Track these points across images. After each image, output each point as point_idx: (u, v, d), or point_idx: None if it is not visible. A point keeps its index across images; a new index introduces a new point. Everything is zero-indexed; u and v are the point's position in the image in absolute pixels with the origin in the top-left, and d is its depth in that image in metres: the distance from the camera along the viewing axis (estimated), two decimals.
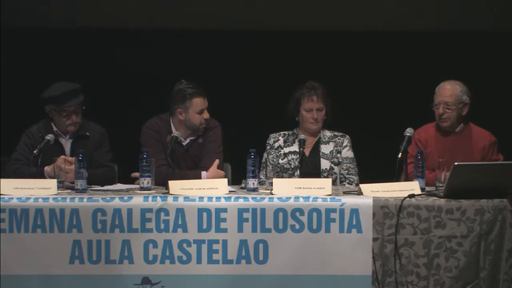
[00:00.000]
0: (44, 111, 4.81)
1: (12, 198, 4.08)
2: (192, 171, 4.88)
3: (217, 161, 4.88)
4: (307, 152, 5.12)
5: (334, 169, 5.09)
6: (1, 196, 4.08)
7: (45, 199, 4.07)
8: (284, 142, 5.18)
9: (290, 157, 5.11)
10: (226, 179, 4.38)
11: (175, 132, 4.85)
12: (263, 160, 5.16)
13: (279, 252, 4.03)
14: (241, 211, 4.05)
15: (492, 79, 6.52)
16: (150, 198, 4.07)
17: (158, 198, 4.07)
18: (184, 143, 4.99)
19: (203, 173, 4.82)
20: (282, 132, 5.23)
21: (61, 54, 6.38)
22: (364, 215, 4.04)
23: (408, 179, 4.52)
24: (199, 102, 4.92)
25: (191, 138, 5.01)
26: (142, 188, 4.37)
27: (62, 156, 4.56)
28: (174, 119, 4.99)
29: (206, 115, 4.96)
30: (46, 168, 4.55)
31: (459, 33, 6.54)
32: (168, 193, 4.20)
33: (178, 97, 4.93)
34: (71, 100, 4.74)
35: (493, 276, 4.07)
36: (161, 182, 4.53)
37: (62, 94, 4.73)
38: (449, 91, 4.98)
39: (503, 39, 6.54)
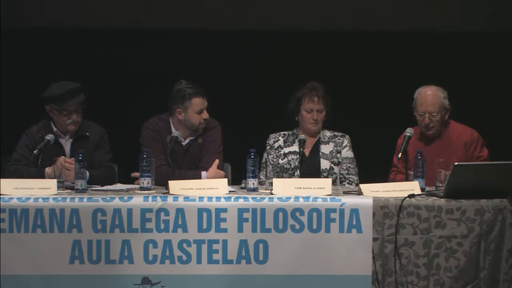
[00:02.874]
0: (44, 110, 4.81)
1: (12, 198, 4.08)
2: (192, 171, 4.88)
3: (217, 161, 4.88)
4: (307, 152, 5.12)
5: (334, 169, 5.09)
6: (1, 196, 4.08)
7: (45, 199, 4.07)
8: (284, 142, 5.19)
9: (290, 157, 5.11)
10: (226, 179, 4.38)
11: (175, 132, 4.85)
12: (263, 160, 5.16)
13: (279, 252, 4.03)
14: (241, 211, 4.05)
15: (491, 79, 6.53)
16: (150, 198, 4.07)
17: (158, 198, 4.07)
18: (183, 143, 4.99)
19: (203, 173, 4.82)
20: (282, 132, 5.23)
21: (61, 54, 6.38)
22: (364, 215, 4.03)
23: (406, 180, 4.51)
24: (198, 102, 4.92)
25: (191, 138, 5.01)
26: (142, 188, 4.37)
27: (62, 157, 4.56)
28: (173, 119, 4.99)
29: (205, 115, 4.96)
30: (46, 169, 4.55)
31: (459, 33, 6.54)
32: (168, 193, 4.20)
33: (178, 97, 4.93)
34: (71, 99, 4.74)
35: (493, 276, 4.06)
36: (161, 182, 4.53)
37: (62, 93, 4.73)
38: (432, 99, 4.93)
39: (502, 39, 6.54)
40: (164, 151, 4.84)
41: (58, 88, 4.75)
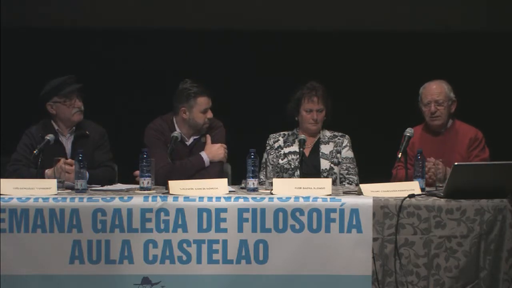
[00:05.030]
0: (45, 110, 4.82)
1: (12, 198, 4.08)
2: (191, 157, 4.89)
3: (208, 137, 4.95)
4: (307, 152, 5.12)
5: (334, 169, 5.09)
6: (1, 196, 4.08)
7: (45, 199, 4.07)
8: (284, 142, 5.19)
9: (290, 157, 5.11)
10: (226, 179, 4.38)
11: (175, 132, 4.86)
12: (263, 160, 5.16)
13: (279, 252, 4.03)
14: (241, 211, 4.05)
15: (491, 79, 6.53)
16: (150, 198, 4.07)
17: (158, 198, 4.07)
18: (187, 143, 5.00)
19: (203, 154, 4.85)
20: (282, 132, 5.23)
21: (61, 54, 6.38)
22: (364, 215, 4.03)
23: (406, 179, 4.51)
24: (203, 101, 4.94)
25: (195, 137, 5.02)
26: (142, 188, 4.37)
27: (62, 159, 4.56)
28: (177, 118, 5.00)
29: (210, 114, 4.97)
30: (46, 171, 4.56)
31: (459, 33, 6.55)
32: (168, 193, 4.20)
33: (183, 95, 4.94)
34: (71, 85, 4.78)
35: (493, 276, 4.06)
36: (163, 182, 4.53)
37: (61, 83, 4.80)
38: (438, 89, 5.00)
39: (502, 39, 6.54)
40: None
41: (54, 81, 4.82)
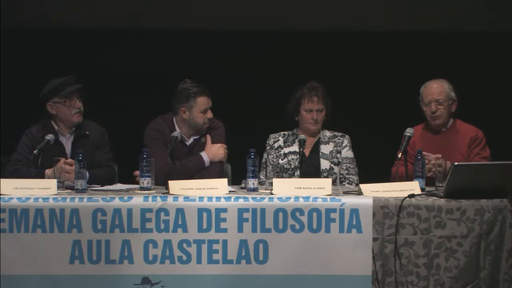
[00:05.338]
0: (45, 111, 4.83)
1: (12, 198, 4.08)
2: (192, 157, 4.90)
3: (208, 137, 4.95)
4: (307, 152, 5.12)
5: (334, 169, 5.09)
6: (1, 196, 4.08)
7: (45, 199, 4.07)
8: (284, 142, 5.19)
9: (290, 157, 5.11)
10: (226, 179, 4.38)
11: (175, 132, 4.86)
12: (263, 160, 5.16)
13: (279, 252, 4.03)
14: (241, 211, 4.05)
15: (491, 79, 6.53)
16: (150, 198, 4.07)
17: (158, 198, 4.07)
18: (187, 143, 5.00)
19: (203, 154, 4.86)
20: (282, 132, 5.24)
21: (61, 54, 6.38)
22: (364, 215, 4.03)
23: (406, 176, 4.51)
24: (203, 101, 4.94)
25: (195, 137, 5.02)
26: (142, 188, 4.37)
27: (62, 160, 4.57)
28: (177, 118, 5.00)
29: (209, 114, 4.98)
30: (46, 171, 4.56)
31: (459, 33, 6.54)
32: (168, 193, 4.20)
33: (183, 95, 4.95)
34: (71, 86, 4.78)
35: (493, 276, 4.06)
36: (163, 182, 4.53)
37: (61, 83, 4.80)
38: (438, 89, 5.02)
39: (502, 39, 6.54)
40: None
41: (54, 82, 4.82)
